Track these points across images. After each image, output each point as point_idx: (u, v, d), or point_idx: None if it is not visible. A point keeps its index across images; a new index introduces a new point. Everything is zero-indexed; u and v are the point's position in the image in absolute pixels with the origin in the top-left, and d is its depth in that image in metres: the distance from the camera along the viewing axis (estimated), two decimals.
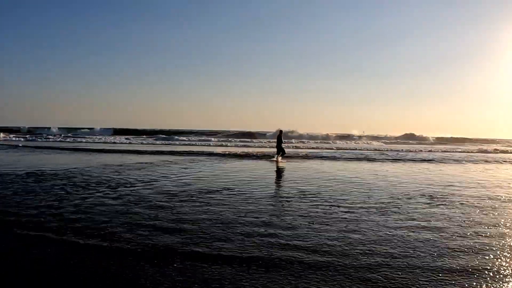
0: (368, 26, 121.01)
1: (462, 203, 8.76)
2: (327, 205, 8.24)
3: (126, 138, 44.44)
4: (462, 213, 7.71)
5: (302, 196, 9.50)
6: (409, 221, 6.74)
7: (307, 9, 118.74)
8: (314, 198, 9.11)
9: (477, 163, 22.28)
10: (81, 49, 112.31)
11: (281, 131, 20.46)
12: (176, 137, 48.87)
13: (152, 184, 11.02)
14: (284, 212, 7.52)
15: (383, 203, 8.64)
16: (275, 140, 20.93)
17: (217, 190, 10.13)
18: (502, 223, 6.81)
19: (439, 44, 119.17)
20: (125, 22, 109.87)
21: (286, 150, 21.48)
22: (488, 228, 6.45)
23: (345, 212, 7.54)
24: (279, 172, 15.83)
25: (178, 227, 6.26)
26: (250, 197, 9.12)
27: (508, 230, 6.28)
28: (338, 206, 8.12)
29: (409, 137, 60.60)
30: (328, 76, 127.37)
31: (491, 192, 10.63)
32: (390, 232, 5.99)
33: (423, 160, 23.04)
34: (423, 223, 6.69)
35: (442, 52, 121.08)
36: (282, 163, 19.04)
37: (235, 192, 9.82)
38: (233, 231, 6.01)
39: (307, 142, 47.86)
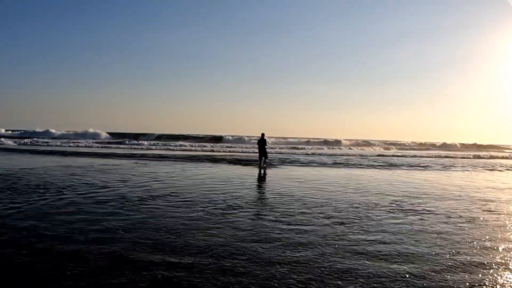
0: (358, 31, 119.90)
1: (430, 212, 7.68)
2: (271, 219, 7.17)
3: (108, 142, 42.83)
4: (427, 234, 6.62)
5: (247, 206, 8.45)
6: (359, 256, 5.62)
7: (290, 14, 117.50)
8: (261, 209, 8.06)
9: (466, 170, 21.12)
10: (70, 51, 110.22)
11: (263, 134, 19.41)
12: (161, 142, 47.52)
13: (97, 188, 9.98)
14: (205, 227, 6.44)
15: (339, 213, 7.57)
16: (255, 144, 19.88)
17: (159, 196, 9.10)
18: (465, 254, 5.70)
19: (436, 48, 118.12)
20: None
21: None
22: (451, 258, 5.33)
23: (289, 230, 6.40)
24: (256, 177, 14.74)
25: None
26: (192, 205, 8.05)
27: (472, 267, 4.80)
28: (282, 222, 7.03)
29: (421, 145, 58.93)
30: (322, 80, 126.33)
31: (468, 204, 9.48)
32: (332, 263, 4.90)
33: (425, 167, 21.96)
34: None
35: (440, 56, 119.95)
36: (265, 168, 18.05)
37: (176, 200, 8.74)
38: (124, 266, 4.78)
39: (293, 147, 46.83)
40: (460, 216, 7.67)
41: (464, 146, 60.65)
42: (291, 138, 59.16)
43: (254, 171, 16.76)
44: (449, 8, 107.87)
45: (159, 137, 57.08)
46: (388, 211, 7.99)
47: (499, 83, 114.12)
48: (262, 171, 16.89)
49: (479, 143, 64.64)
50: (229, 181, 12.64)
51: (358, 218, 7.25)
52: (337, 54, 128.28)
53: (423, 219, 7.29)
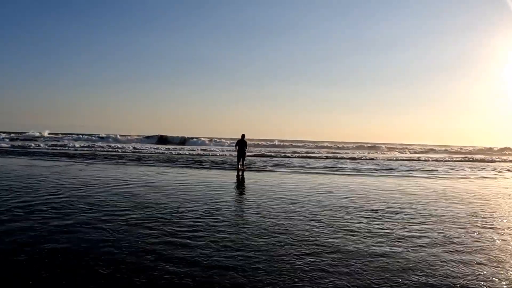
0: (355, 34, 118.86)
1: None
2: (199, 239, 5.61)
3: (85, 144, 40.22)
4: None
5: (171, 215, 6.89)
6: None
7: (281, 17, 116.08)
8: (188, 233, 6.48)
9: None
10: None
11: (243, 136, 17.84)
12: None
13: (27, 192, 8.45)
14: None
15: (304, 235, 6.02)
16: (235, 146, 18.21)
17: (79, 202, 7.52)
18: None
19: (432, 51, 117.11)
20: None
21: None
22: None
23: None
24: (232, 183, 13.13)
25: None
26: (113, 216, 6.46)
27: None
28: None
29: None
30: (318, 83, 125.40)
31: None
32: None
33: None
34: None
35: (438, 59, 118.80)
36: (244, 171, 16.47)
37: (106, 210, 7.11)
38: None
39: (288, 151, 45.28)
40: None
41: (464, 149, 59.36)
42: (283, 140, 57.53)
43: (231, 174, 15.17)
44: (448, 11, 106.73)
45: (148, 139, 55.50)
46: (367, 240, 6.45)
47: (500, 86, 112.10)
48: (241, 174, 15.33)
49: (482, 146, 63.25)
50: (193, 186, 11.05)
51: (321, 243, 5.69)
52: (333, 57, 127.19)
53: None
